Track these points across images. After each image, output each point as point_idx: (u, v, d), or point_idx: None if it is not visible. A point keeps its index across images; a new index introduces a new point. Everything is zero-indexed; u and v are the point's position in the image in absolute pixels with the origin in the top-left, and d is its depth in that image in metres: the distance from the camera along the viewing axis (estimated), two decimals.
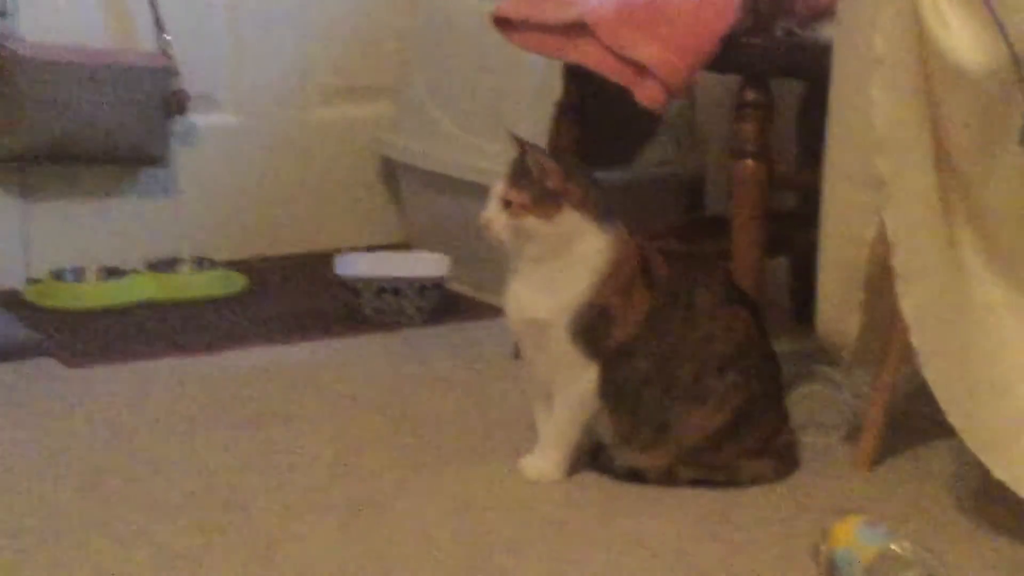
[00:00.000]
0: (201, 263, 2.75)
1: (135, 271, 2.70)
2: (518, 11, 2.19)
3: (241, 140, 2.91)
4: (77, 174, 2.73)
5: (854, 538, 1.54)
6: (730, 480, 1.83)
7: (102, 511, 1.74)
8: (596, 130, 2.32)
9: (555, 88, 2.30)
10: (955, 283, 1.75)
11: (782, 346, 1.95)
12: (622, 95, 2.06)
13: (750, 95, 2.03)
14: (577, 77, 2.24)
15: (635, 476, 1.84)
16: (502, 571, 1.61)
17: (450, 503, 1.78)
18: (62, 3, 2.69)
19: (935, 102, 1.71)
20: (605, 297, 1.79)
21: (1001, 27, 1.63)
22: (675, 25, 2.03)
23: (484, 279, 2.59)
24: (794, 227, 2.23)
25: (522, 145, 1.80)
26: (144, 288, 2.65)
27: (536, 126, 2.30)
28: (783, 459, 1.88)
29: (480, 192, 1.86)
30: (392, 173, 3.02)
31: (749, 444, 1.83)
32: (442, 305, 2.57)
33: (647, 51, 2.02)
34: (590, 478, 1.85)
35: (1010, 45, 1.63)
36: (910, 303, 1.73)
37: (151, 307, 2.60)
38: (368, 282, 2.54)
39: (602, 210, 1.80)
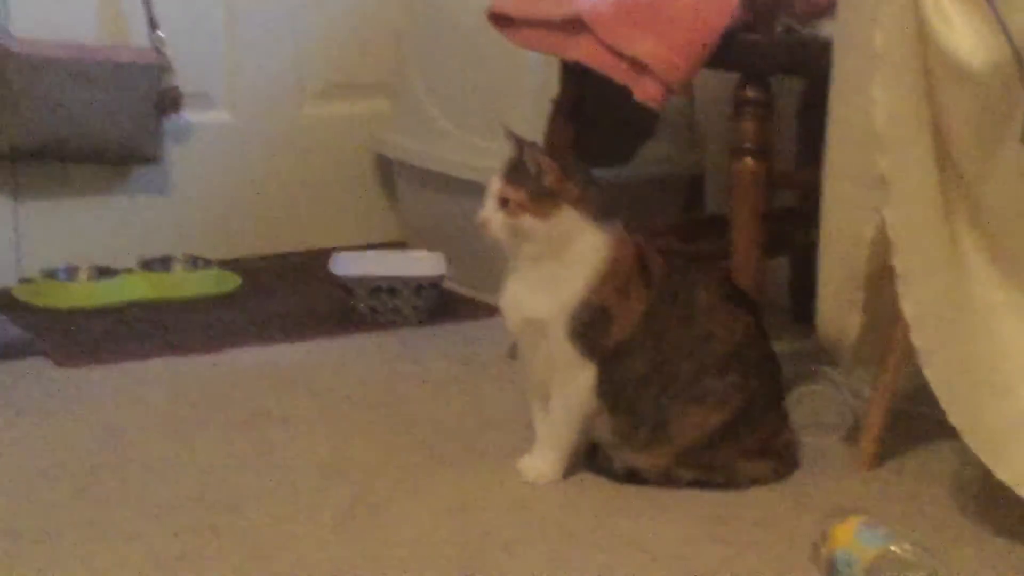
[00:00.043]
0: (195, 262, 2.74)
1: (128, 270, 2.69)
2: (515, 7, 2.18)
3: (235, 138, 2.90)
4: (69, 172, 2.72)
5: (854, 539, 1.54)
6: (729, 481, 1.82)
7: (95, 512, 1.74)
8: (594, 128, 2.31)
9: (552, 85, 2.29)
10: (956, 282, 1.74)
11: (782, 346, 1.95)
12: (621, 92, 2.05)
13: (750, 93, 2.02)
14: (575, 74, 2.23)
15: (633, 477, 1.83)
16: (499, 572, 1.61)
17: (446, 504, 1.78)
18: None
19: (936, 100, 1.71)
20: (603, 296, 1.79)
21: (1003, 24, 1.62)
22: (674, 22, 2.02)
23: (481, 278, 2.59)
24: (794, 226, 2.23)
25: (519, 143, 1.80)
26: (137, 287, 2.64)
27: (533, 124, 2.29)
28: (783, 459, 1.87)
29: (477, 191, 1.85)
30: (388, 171, 3.01)
31: (748, 444, 1.83)
32: (439, 305, 2.56)
33: (645, 48, 2.01)
34: (588, 479, 1.85)
35: (1012, 42, 1.63)
36: (911, 302, 1.73)
37: (144, 306, 2.60)
38: (364, 281, 2.53)
39: (600, 209, 1.80)
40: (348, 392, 2.20)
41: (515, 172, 1.78)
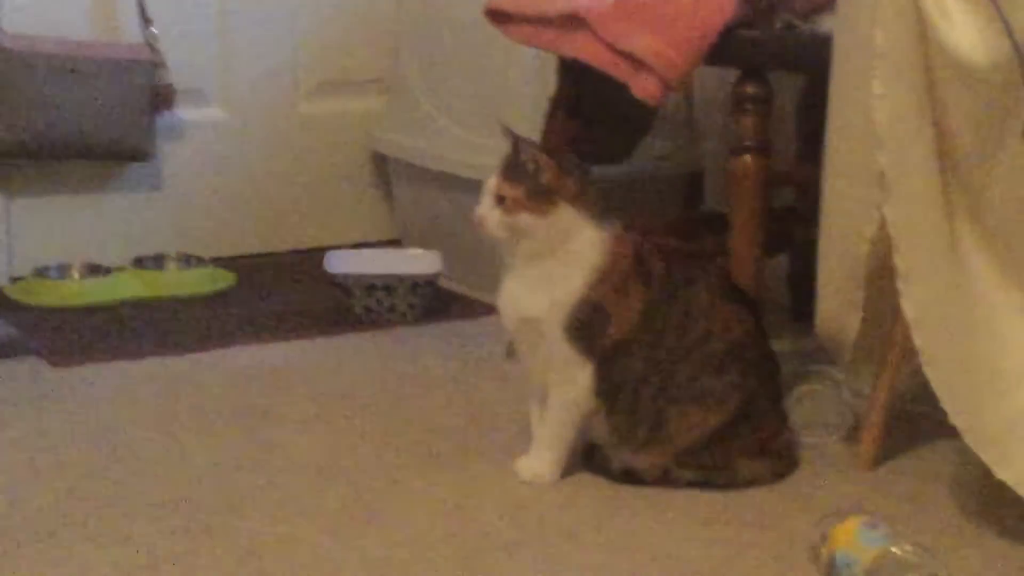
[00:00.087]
0: (188, 260, 2.73)
1: (120, 268, 2.68)
2: (513, 3, 2.18)
3: (229, 135, 2.89)
4: (61, 169, 2.71)
5: (854, 540, 1.54)
6: (728, 481, 1.81)
7: (87, 512, 1.73)
8: (592, 125, 2.31)
9: (550, 82, 2.28)
10: (957, 281, 1.74)
11: (782, 345, 1.96)
12: (619, 89, 2.04)
13: (749, 89, 2.02)
14: (572, 71, 2.22)
15: (631, 477, 1.82)
16: (497, 573, 1.60)
17: (443, 504, 1.77)
18: None
19: (937, 97, 1.71)
20: (601, 294, 1.78)
21: (1005, 21, 1.62)
22: (672, 18, 2.01)
23: (477, 276, 2.58)
24: (794, 224, 2.23)
25: (516, 139, 1.79)
26: (130, 286, 2.63)
27: (531, 121, 2.29)
28: (782, 459, 1.86)
29: (473, 188, 1.84)
30: (384, 169, 3.00)
31: (747, 444, 1.82)
32: (435, 303, 2.55)
33: (643, 44, 2.00)
34: (586, 479, 1.84)
35: (1014, 40, 1.63)
36: (911, 302, 1.73)
37: (137, 305, 2.59)
38: (359, 279, 2.52)
39: (598, 206, 1.79)
40: (344, 391, 2.19)
41: (512, 169, 1.77)
